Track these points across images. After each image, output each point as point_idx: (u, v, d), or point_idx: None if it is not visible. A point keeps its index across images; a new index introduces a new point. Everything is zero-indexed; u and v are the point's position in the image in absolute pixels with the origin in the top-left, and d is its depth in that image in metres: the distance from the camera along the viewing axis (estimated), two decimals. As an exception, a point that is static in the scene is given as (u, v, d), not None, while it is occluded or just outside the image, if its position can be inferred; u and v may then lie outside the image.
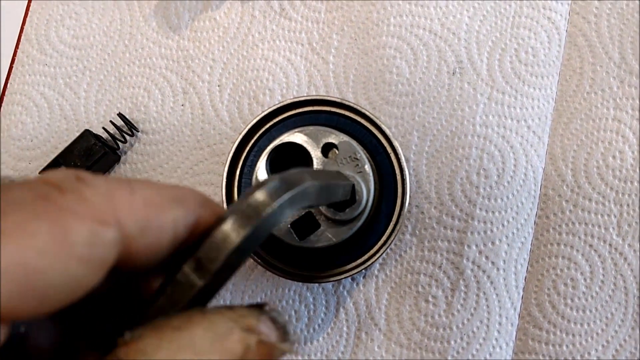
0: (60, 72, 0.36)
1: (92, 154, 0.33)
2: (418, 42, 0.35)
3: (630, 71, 0.34)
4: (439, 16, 0.35)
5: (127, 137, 0.35)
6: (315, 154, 0.28)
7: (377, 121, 0.30)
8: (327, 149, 0.29)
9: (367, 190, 0.28)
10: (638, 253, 0.33)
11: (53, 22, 0.37)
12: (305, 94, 0.35)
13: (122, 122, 0.34)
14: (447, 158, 0.34)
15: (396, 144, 0.30)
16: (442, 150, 0.34)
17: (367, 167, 0.29)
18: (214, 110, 0.35)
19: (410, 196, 0.33)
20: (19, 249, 0.12)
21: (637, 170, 0.33)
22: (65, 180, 0.14)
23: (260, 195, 0.17)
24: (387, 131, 0.30)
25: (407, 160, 0.34)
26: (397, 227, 0.30)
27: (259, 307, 0.16)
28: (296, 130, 0.29)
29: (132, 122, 0.35)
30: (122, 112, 0.35)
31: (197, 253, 0.16)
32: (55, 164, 0.33)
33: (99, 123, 0.35)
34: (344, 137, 0.29)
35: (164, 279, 0.17)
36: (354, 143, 0.29)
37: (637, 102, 0.34)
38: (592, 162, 0.33)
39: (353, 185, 0.28)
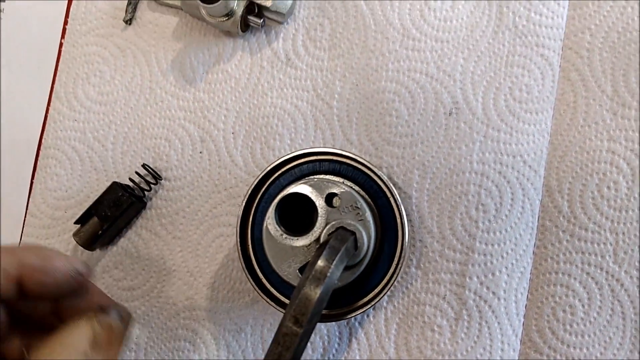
0: (88, 126, 0.40)
1: (121, 203, 0.37)
2: (415, 85, 0.37)
3: (622, 103, 0.35)
4: (434, 59, 0.37)
5: (152, 186, 0.38)
6: (320, 203, 0.31)
7: (374, 169, 0.33)
8: (330, 198, 0.31)
9: (367, 237, 0.31)
10: (634, 279, 0.34)
11: (80, 81, 0.41)
12: (312, 138, 0.38)
13: (146, 172, 0.38)
14: (447, 194, 0.36)
15: (394, 190, 0.33)
16: (442, 187, 0.36)
17: (368, 215, 0.31)
18: (229, 156, 0.38)
19: (412, 233, 0.36)
20: None
21: (632, 199, 0.35)
22: None
23: (321, 262, 0.27)
24: (384, 177, 0.32)
25: (409, 198, 0.36)
26: (399, 268, 0.32)
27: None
28: (302, 181, 0.32)
29: (156, 171, 0.38)
30: (146, 161, 0.39)
31: (292, 311, 0.25)
32: (88, 213, 0.37)
33: (126, 173, 0.39)
34: (346, 187, 0.32)
35: (275, 333, 0.25)
36: (355, 192, 0.32)
37: (630, 133, 0.35)
38: (588, 193, 0.35)
39: (355, 235, 0.30)
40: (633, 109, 0.35)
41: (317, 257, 0.27)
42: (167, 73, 0.40)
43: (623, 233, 0.34)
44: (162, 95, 0.40)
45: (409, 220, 0.36)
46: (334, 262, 0.27)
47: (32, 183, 0.40)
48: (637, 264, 0.34)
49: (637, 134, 0.35)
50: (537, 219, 0.35)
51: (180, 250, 0.38)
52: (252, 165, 0.38)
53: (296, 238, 0.30)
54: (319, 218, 0.31)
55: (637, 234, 0.34)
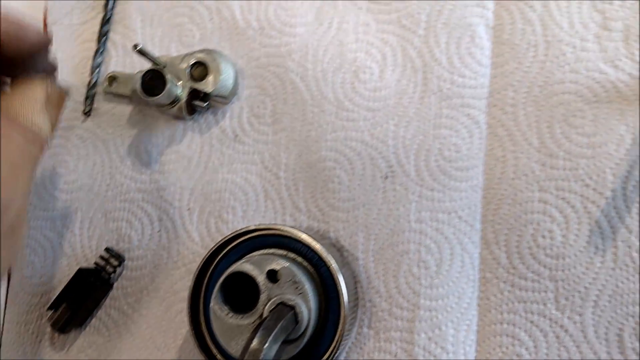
0: (57, 215, 0.43)
1: (87, 288, 0.39)
2: (352, 153, 0.39)
3: (550, 154, 0.37)
4: (367, 128, 0.39)
5: (116, 268, 0.40)
6: (261, 280, 0.33)
7: (311, 242, 0.34)
8: (272, 274, 0.33)
9: (307, 311, 0.33)
10: (578, 324, 0.35)
11: (47, 172, 0.44)
12: (263, 208, 0.40)
13: (109, 255, 0.40)
14: (390, 254, 0.37)
15: (329, 260, 0.34)
16: (385, 247, 0.38)
17: (307, 287, 0.33)
18: (186, 232, 0.41)
19: (362, 294, 0.37)
20: None
21: (567, 246, 0.36)
22: None
23: (254, 344, 0.29)
24: (320, 251, 0.34)
25: (356, 259, 0.38)
26: (342, 335, 0.34)
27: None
28: (245, 258, 0.34)
29: (119, 253, 0.40)
30: (109, 243, 0.41)
31: None
32: (59, 300, 0.39)
33: (93, 256, 0.41)
34: (287, 262, 0.33)
35: None
36: (297, 266, 0.34)
37: (560, 182, 0.36)
38: (524, 243, 0.36)
39: (294, 309, 0.32)
40: (560, 158, 0.37)
41: (251, 338, 0.29)
42: (125, 158, 0.43)
43: (562, 280, 0.36)
44: (121, 179, 0.42)
45: (358, 282, 0.38)
46: (267, 342, 0.29)
47: (9, 272, 0.43)
48: (578, 309, 0.35)
49: (566, 183, 0.36)
50: (477, 272, 0.37)
51: (147, 327, 0.40)
52: (208, 240, 0.40)
53: (241, 316, 0.32)
54: (261, 295, 0.33)
55: (576, 279, 0.35)
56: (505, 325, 0.36)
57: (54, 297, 0.39)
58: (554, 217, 0.36)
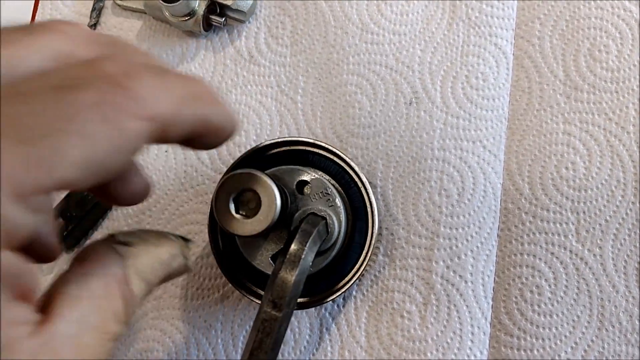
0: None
1: (85, 203, 0.36)
2: (376, 77, 0.38)
3: (574, 87, 0.37)
4: (393, 52, 0.38)
5: (117, 186, 0.38)
6: (291, 191, 0.31)
7: (346, 158, 0.33)
8: (301, 186, 0.32)
9: (338, 223, 0.31)
10: (597, 257, 0.35)
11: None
12: (277, 133, 0.38)
13: (111, 173, 0.38)
14: (410, 182, 0.36)
15: (364, 177, 0.33)
16: (405, 175, 0.36)
17: (338, 201, 0.32)
18: (195, 153, 0.38)
19: (380, 222, 0.36)
20: (84, 148, 0.16)
21: (589, 178, 0.35)
22: (122, 78, 0.17)
23: (293, 248, 0.27)
24: (355, 167, 0.33)
25: (374, 187, 0.36)
26: (369, 255, 0.32)
27: (187, 240, 0.24)
28: (273, 169, 0.32)
29: (121, 172, 0.38)
30: (111, 163, 0.38)
31: (270, 296, 0.26)
32: (56, 213, 0.36)
33: (91, 174, 0.39)
34: (316, 175, 0.32)
35: (254, 321, 0.26)
36: (326, 179, 0.32)
37: (584, 115, 0.36)
38: (547, 174, 0.36)
39: (326, 220, 0.30)
40: (585, 91, 0.36)
41: (290, 241, 0.27)
42: (132, 75, 0.40)
43: (584, 212, 0.35)
44: (127, 96, 0.40)
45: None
46: (307, 244, 0.27)
47: None
48: (599, 241, 0.35)
49: (590, 116, 0.36)
50: (499, 202, 0.36)
51: (147, 250, 0.38)
52: (218, 162, 0.38)
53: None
54: (290, 205, 0.31)
55: (597, 212, 0.35)
56: (525, 256, 0.35)
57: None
58: (577, 150, 0.36)
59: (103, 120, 0.16)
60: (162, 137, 0.18)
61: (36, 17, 0.42)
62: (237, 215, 0.27)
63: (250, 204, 0.27)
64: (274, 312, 0.25)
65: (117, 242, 0.21)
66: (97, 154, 0.16)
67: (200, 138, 0.20)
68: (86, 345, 0.18)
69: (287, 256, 0.27)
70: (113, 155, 0.17)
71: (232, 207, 0.27)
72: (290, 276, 0.26)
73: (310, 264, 0.28)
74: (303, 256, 0.27)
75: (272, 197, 0.27)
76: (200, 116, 0.20)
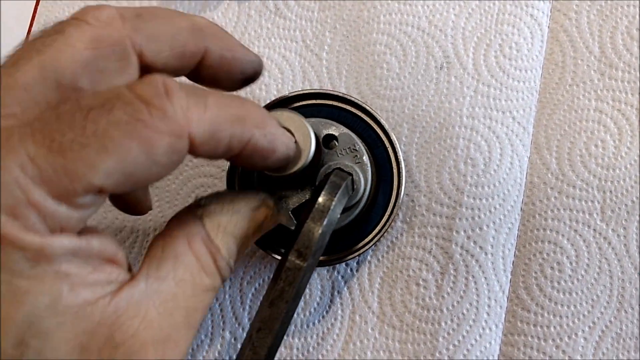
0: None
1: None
2: (407, 38, 0.36)
3: (609, 64, 0.36)
4: (426, 14, 0.37)
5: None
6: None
7: (377, 115, 0.32)
8: (327, 140, 0.30)
9: (364, 180, 0.30)
10: (621, 237, 0.34)
11: (59, 23, 0.39)
12: (300, 89, 0.37)
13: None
14: (435, 148, 0.35)
15: (394, 138, 0.32)
16: (430, 141, 0.35)
17: (365, 158, 0.30)
18: (213, 105, 0.37)
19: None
20: (118, 162, 0.18)
21: (619, 158, 0.35)
22: (153, 96, 0.18)
23: (322, 198, 0.25)
24: (386, 125, 0.32)
25: (397, 151, 0.35)
26: (392, 217, 0.31)
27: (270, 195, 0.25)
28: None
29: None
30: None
31: (295, 246, 0.24)
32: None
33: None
34: (344, 129, 0.31)
35: (275, 270, 0.25)
36: (354, 135, 0.31)
37: (617, 93, 0.35)
38: (575, 150, 0.35)
39: (352, 176, 0.29)
40: (620, 69, 0.36)
41: (317, 192, 0.26)
42: (152, 18, 0.38)
43: (610, 191, 0.34)
44: (145, 40, 0.38)
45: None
46: (336, 196, 0.26)
47: None
48: (624, 222, 0.34)
49: (623, 95, 0.35)
50: (525, 176, 0.35)
51: (157, 200, 0.36)
52: (236, 115, 0.37)
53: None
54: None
55: (625, 192, 0.34)
56: (548, 232, 0.34)
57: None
58: (608, 127, 0.35)
59: (131, 137, 0.18)
60: (197, 153, 0.20)
61: (35, 17, 0.40)
62: None
63: None
64: (299, 262, 0.24)
65: (195, 206, 0.23)
66: (127, 166, 0.18)
67: (248, 159, 0.22)
68: (174, 295, 0.20)
69: (316, 206, 0.25)
70: (143, 167, 0.18)
71: None
72: (317, 226, 0.25)
73: (338, 216, 0.26)
74: (332, 207, 0.25)
75: (307, 136, 0.25)
76: (239, 137, 0.21)
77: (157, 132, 0.18)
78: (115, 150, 0.17)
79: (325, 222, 0.25)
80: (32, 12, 0.39)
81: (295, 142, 0.25)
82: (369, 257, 0.34)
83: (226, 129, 0.20)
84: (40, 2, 0.39)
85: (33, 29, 0.39)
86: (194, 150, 0.19)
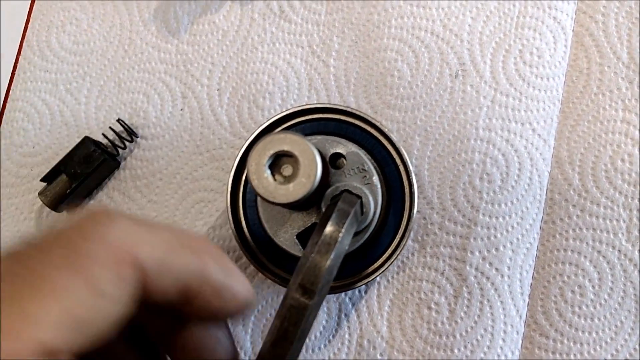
0: (61, 78, 0.36)
1: (92, 160, 0.33)
2: (420, 44, 0.34)
3: (639, 72, 0.33)
4: (440, 17, 0.34)
5: (127, 143, 0.34)
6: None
7: (387, 131, 0.30)
8: (335, 158, 0.29)
9: (374, 203, 0.28)
10: (648, 259, 0.32)
11: (54, 29, 0.37)
12: (306, 98, 0.35)
13: (121, 128, 0.34)
14: (449, 163, 0.33)
15: (406, 156, 0.30)
16: (444, 154, 0.33)
17: (375, 179, 0.28)
18: (214, 114, 0.35)
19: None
20: (62, 306, 0.15)
21: (647, 173, 0.32)
22: (88, 227, 0.16)
23: (329, 229, 0.23)
24: (397, 142, 0.30)
25: (409, 165, 0.33)
26: (404, 241, 0.29)
27: None
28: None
29: (132, 128, 0.35)
30: (121, 117, 0.35)
31: (300, 281, 0.22)
32: (56, 171, 0.33)
33: (99, 129, 0.35)
34: (352, 148, 0.29)
35: (279, 307, 0.22)
36: (362, 154, 0.29)
37: (647, 103, 0.33)
38: (600, 165, 0.32)
39: (361, 199, 0.27)
40: (650, 77, 0.33)
41: (324, 220, 0.24)
42: (149, 23, 0.36)
43: (637, 209, 0.32)
44: (142, 46, 0.36)
45: (408, 190, 0.33)
46: (345, 226, 0.24)
47: (-6, 137, 0.36)
48: (651, 243, 0.32)
49: (654, 105, 0.33)
50: (545, 192, 0.33)
51: (155, 216, 0.34)
52: (239, 126, 0.35)
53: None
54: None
55: (652, 211, 0.32)
56: (569, 253, 0.32)
57: (51, 167, 0.33)
58: (636, 140, 0.32)
59: (72, 272, 0.15)
60: (149, 291, 0.17)
61: (32, 17, 0.38)
62: (273, 181, 0.24)
63: (285, 171, 0.24)
64: (304, 299, 0.22)
65: None
66: (74, 310, 0.15)
67: (199, 298, 0.19)
68: None
69: (322, 237, 0.23)
70: (94, 310, 0.16)
71: (267, 171, 0.24)
72: (324, 260, 0.23)
73: (346, 248, 0.24)
74: (339, 239, 0.23)
75: (312, 161, 0.23)
76: (193, 267, 0.18)
77: (98, 261, 0.16)
78: (58, 291, 0.15)
79: (332, 256, 0.23)
80: (27, 13, 0.38)
81: (299, 168, 0.23)
82: (378, 278, 0.33)
83: (179, 255, 0.18)
84: (35, 3, 0.38)
85: (27, 33, 0.37)
86: (146, 281, 0.17)
